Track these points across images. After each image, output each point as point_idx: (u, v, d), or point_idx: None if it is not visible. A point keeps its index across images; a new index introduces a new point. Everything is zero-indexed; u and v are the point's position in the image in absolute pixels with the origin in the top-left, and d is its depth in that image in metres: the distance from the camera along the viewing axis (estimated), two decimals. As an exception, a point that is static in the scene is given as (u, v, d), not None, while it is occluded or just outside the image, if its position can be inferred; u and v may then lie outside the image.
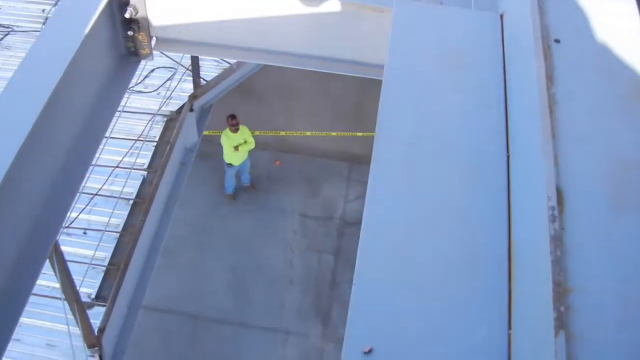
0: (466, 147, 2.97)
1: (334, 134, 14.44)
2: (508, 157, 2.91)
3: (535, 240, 2.35)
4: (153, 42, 4.76)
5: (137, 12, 4.58)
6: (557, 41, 2.86)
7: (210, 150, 13.75)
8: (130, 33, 4.65)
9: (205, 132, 10.43)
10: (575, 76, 2.76)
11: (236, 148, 12.62)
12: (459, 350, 2.37)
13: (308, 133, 14.51)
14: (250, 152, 13.23)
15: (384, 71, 3.31)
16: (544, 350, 2.04)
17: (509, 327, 2.40)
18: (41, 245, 4.35)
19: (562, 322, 1.98)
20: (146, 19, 4.65)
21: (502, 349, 2.37)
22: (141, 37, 4.69)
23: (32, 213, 4.23)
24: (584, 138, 2.52)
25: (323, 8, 4.44)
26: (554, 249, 2.13)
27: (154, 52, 4.87)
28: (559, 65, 2.77)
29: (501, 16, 3.64)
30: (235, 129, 12.40)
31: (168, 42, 4.81)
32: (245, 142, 12.75)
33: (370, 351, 2.34)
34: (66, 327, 7.12)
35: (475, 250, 2.61)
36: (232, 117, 12.30)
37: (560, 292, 2.04)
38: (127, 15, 4.55)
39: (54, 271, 6.23)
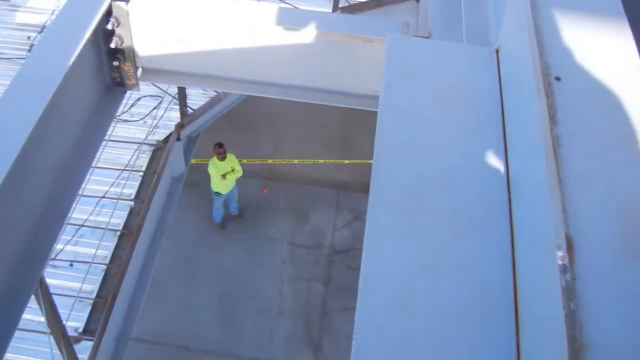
0: (466, 189, 2.88)
1: (321, 161, 14.40)
2: (509, 199, 2.82)
3: (546, 293, 2.26)
4: (139, 72, 4.69)
5: (122, 42, 4.50)
6: (558, 79, 2.79)
7: (197, 179, 13.67)
8: (115, 63, 4.57)
9: (193, 161, 10.36)
10: (578, 116, 2.68)
11: (224, 176, 12.56)
12: None
13: (296, 161, 14.46)
14: (238, 180, 13.18)
15: (378, 109, 3.23)
16: None
17: None
18: (26, 279, 4.25)
19: None
20: (132, 49, 4.57)
21: None
22: (127, 67, 4.62)
23: (17, 246, 4.13)
24: (591, 181, 2.44)
25: (309, 38, 4.39)
26: (566, 302, 2.04)
27: (140, 82, 4.81)
28: (561, 105, 2.70)
29: (497, 51, 3.57)
30: (222, 157, 12.34)
31: (154, 72, 4.73)
32: (233, 170, 12.70)
33: None
34: (53, 362, 6.99)
35: (480, 301, 2.52)
36: (220, 145, 12.24)
37: (577, 348, 1.96)
38: (112, 45, 4.48)
39: (39, 305, 6.12)
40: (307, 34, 4.34)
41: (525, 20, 3.10)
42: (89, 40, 4.34)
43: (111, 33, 4.51)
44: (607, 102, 2.77)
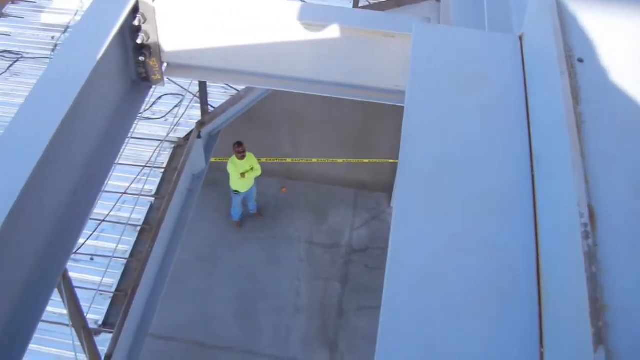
0: (491, 169, 2.98)
1: (340, 160, 14.45)
2: (533, 177, 2.90)
3: (568, 259, 2.35)
4: (164, 67, 4.77)
5: (148, 38, 4.59)
6: (581, 60, 2.87)
7: (216, 178, 13.77)
8: (141, 59, 4.66)
9: (212, 159, 10.43)
10: (600, 96, 2.77)
11: (243, 175, 12.65)
12: None
13: (314, 160, 14.52)
14: (256, 179, 13.26)
15: (406, 94, 3.32)
16: None
17: (541, 346, 2.40)
18: (51, 271, 4.33)
19: (600, 338, 1.97)
20: (158, 45, 4.66)
21: None
22: (152, 63, 4.70)
23: (42, 239, 4.20)
24: (613, 157, 2.52)
25: (332, 34, 4.45)
26: (588, 265, 2.13)
27: (165, 77, 4.88)
28: (584, 85, 2.78)
29: (520, 37, 3.65)
30: (242, 156, 12.43)
31: (179, 67, 4.81)
32: (252, 169, 12.78)
33: None
34: (72, 353, 7.08)
35: (504, 272, 2.61)
36: (239, 144, 12.34)
37: (597, 309, 2.03)
38: (139, 41, 4.56)
39: (62, 298, 6.21)
40: (330, 29, 4.40)
41: (548, 4, 3.17)
42: (116, 36, 4.42)
43: (137, 29, 4.59)
44: (628, 82, 2.85)
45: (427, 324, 2.48)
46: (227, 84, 10.16)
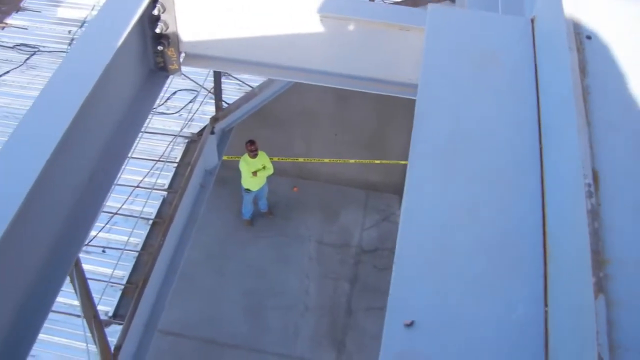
0: (501, 140, 3.10)
1: (352, 161, 14.48)
2: (541, 147, 3.00)
3: (572, 217, 2.45)
4: (182, 57, 4.81)
5: (167, 28, 4.63)
6: (589, 37, 2.98)
7: (228, 176, 13.81)
8: (160, 48, 4.70)
9: (224, 157, 10.48)
10: (607, 69, 2.89)
11: (254, 173, 12.68)
12: (497, 326, 2.44)
13: (326, 160, 14.55)
14: (268, 178, 13.30)
15: (420, 72, 3.39)
16: (583, 316, 2.09)
17: (545, 305, 2.47)
18: (62, 261, 4.36)
19: (601, 287, 2.05)
20: (176, 35, 4.70)
21: (539, 326, 2.44)
22: (170, 52, 4.74)
23: (55, 228, 4.23)
24: (618, 127, 2.64)
25: (349, 26, 4.48)
26: (591, 221, 2.22)
27: (182, 68, 4.92)
28: (591, 59, 2.90)
29: (532, 20, 3.74)
30: (254, 154, 12.47)
31: (197, 57, 4.85)
32: (264, 167, 12.81)
33: (411, 324, 2.41)
34: (81, 344, 7.12)
35: (510, 233, 2.72)
36: (251, 142, 12.37)
37: (599, 261, 2.11)
38: (157, 31, 4.61)
39: (74, 288, 6.25)
40: (346, 22, 4.43)
41: None
42: (136, 25, 4.47)
43: (157, 18, 4.63)
44: (632, 58, 2.96)
45: (436, 278, 2.56)
46: (241, 81, 10.20)
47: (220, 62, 4.93)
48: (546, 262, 2.59)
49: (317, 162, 14.66)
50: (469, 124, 3.14)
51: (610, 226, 2.25)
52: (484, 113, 3.21)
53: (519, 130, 3.12)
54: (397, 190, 14.80)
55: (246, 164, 12.67)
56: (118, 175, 4.84)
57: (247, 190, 13.29)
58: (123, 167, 5.79)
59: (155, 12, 4.56)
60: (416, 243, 2.69)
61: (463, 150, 3.02)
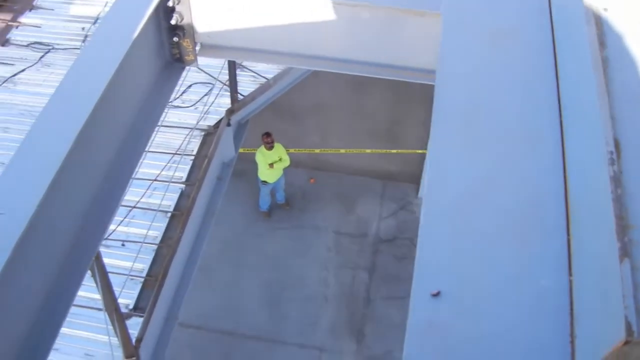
0: (521, 110, 3.13)
1: (368, 151, 14.47)
2: (560, 116, 3.02)
3: (595, 185, 2.46)
4: (197, 48, 4.83)
5: (182, 19, 4.65)
6: (606, 10, 2.99)
7: (244, 168, 13.83)
8: (175, 39, 4.73)
9: (240, 150, 10.48)
10: (624, 40, 2.89)
11: (271, 165, 12.71)
12: (522, 296, 2.47)
13: (342, 151, 14.55)
14: (284, 169, 13.31)
15: (439, 47, 3.41)
16: (608, 281, 2.10)
17: (570, 274, 2.48)
18: (84, 255, 4.39)
19: (626, 252, 2.06)
20: (191, 26, 4.72)
21: (564, 295, 2.46)
22: (186, 43, 4.76)
23: (75, 222, 4.26)
24: (637, 96, 2.64)
25: (364, 12, 4.48)
26: (614, 188, 2.23)
27: (198, 59, 4.94)
28: (608, 32, 2.91)
29: None
30: (270, 146, 12.50)
31: (212, 48, 4.87)
32: (280, 159, 12.83)
33: (438, 294, 2.43)
34: (103, 337, 7.17)
35: (534, 202, 2.75)
36: (267, 134, 12.40)
37: (623, 226, 2.13)
38: (173, 22, 4.63)
39: (95, 282, 6.28)
40: (362, 8, 4.43)
41: None
42: (151, 17, 4.49)
43: (172, 10, 4.65)
44: None
45: (462, 248, 2.58)
46: (256, 72, 10.19)
47: (236, 51, 4.95)
48: (569, 231, 2.60)
49: (333, 153, 14.65)
50: (489, 96, 3.17)
51: (633, 193, 2.26)
52: (503, 86, 3.24)
53: (538, 102, 3.14)
54: (414, 179, 14.78)
55: (262, 156, 12.69)
56: (136, 169, 4.86)
57: (264, 182, 13.32)
58: (141, 160, 5.80)
59: (170, 3, 4.57)
60: (440, 214, 2.72)
61: (483, 121, 3.05)
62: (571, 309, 2.41)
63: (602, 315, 2.17)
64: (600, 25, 2.94)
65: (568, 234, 2.61)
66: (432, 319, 2.42)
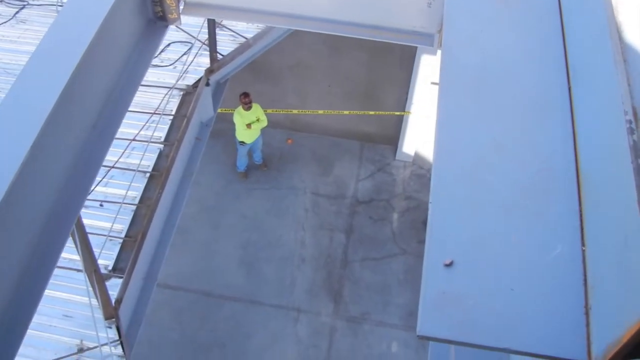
0: (528, 77, 3.10)
1: (346, 112, 14.42)
2: (569, 83, 2.99)
3: (611, 154, 2.42)
4: (181, 6, 4.75)
5: (166, -24, 4.57)
6: None
7: (222, 128, 13.76)
8: (158, -3, 4.65)
9: (218, 110, 10.41)
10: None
11: (249, 126, 12.65)
12: (535, 266, 2.46)
13: (320, 112, 14.49)
14: (262, 130, 13.26)
15: (444, 9, 3.38)
16: (628, 254, 2.09)
17: (583, 245, 2.48)
18: (66, 217, 4.35)
19: None
20: (175, -17, 4.64)
21: (577, 265, 2.45)
22: (169, 1, 4.68)
23: (57, 184, 4.21)
24: None
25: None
26: (634, 157, 2.19)
27: (181, 17, 4.86)
28: None
29: None
30: (248, 107, 12.43)
31: (196, 6, 4.80)
32: (258, 120, 12.77)
33: (451, 264, 2.43)
34: (82, 298, 7.14)
35: (544, 172, 2.72)
36: (245, 95, 12.32)
37: None
38: (155, -21, 4.55)
39: (75, 243, 6.23)
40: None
41: None
42: (133, -27, 4.39)
43: (155, -34, 4.56)
44: None
45: (473, 217, 2.56)
46: (235, 32, 10.09)
47: (220, 10, 4.88)
48: (581, 200, 2.58)
49: (311, 114, 14.60)
50: (496, 61, 3.14)
51: None
52: (509, 50, 3.21)
53: (546, 67, 3.12)
54: (392, 141, 14.78)
55: (240, 116, 12.62)
56: (119, 127, 4.81)
57: (242, 142, 13.25)
58: (123, 117, 5.73)
59: (154, -41, 4.48)
60: (450, 184, 2.70)
61: (490, 87, 3.02)
62: (585, 280, 2.40)
63: (620, 288, 2.15)
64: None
65: (579, 204, 2.59)
66: (446, 289, 2.41)
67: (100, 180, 8.39)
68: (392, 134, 14.62)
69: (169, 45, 10.10)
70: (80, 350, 7.23)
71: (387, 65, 13.43)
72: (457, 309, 2.39)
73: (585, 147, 2.73)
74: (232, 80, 10.87)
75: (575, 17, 3.23)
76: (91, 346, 7.17)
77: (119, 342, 7.22)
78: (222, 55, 9.82)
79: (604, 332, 2.24)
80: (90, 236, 6.66)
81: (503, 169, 2.72)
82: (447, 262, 2.44)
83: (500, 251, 2.50)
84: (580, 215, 2.56)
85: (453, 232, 2.55)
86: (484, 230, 2.56)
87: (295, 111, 14.62)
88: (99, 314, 7.06)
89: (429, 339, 2.40)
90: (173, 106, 9.31)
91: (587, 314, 2.36)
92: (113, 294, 7.31)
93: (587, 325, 2.34)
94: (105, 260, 7.79)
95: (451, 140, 2.83)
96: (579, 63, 3.02)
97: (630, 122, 2.31)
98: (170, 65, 9.88)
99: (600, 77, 2.73)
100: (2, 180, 3.42)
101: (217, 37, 9.60)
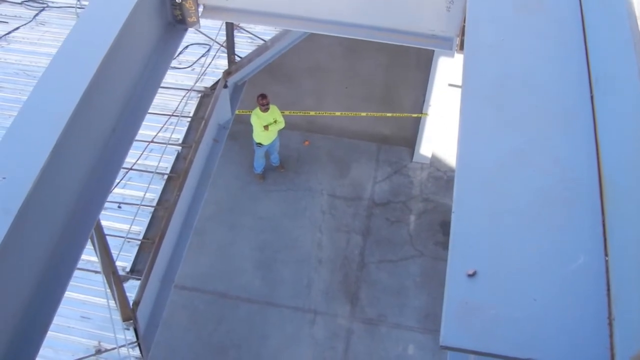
0: (551, 86, 3.09)
1: (363, 114, 14.40)
2: (592, 93, 2.98)
3: (635, 164, 2.41)
4: (200, 10, 4.75)
5: (185, -20, 4.58)
6: None
7: (239, 130, 13.78)
8: (178, 0, 4.65)
9: (236, 112, 10.42)
10: None
11: (266, 127, 12.65)
12: (558, 277, 2.45)
13: (337, 113, 14.48)
14: (279, 132, 13.27)
15: (466, 18, 3.37)
16: None
17: (606, 255, 2.46)
18: (86, 219, 4.36)
19: None
20: (194, -13, 4.65)
21: (600, 275, 2.44)
22: (188, 4, 4.69)
23: (77, 186, 4.22)
24: None
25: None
26: None
27: (200, 21, 4.87)
28: None
29: None
30: (265, 108, 12.43)
31: (215, 9, 4.80)
32: (275, 121, 12.78)
33: (474, 274, 2.42)
34: (100, 299, 7.15)
35: (567, 182, 2.72)
36: (263, 96, 12.32)
37: None
38: (175, -17, 4.56)
39: (93, 244, 6.25)
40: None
41: None
42: (153, -23, 4.40)
43: (174, -30, 4.57)
44: None
45: (496, 228, 2.56)
46: (253, 34, 10.10)
47: (238, 13, 4.88)
48: (603, 210, 2.57)
49: (328, 116, 14.59)
50: (518, 69, 3.13)
51: None
52: (532, 58, 3.20)
53: (568, 75, 3.10)
54: (409, 143, 14.76)
55: (257, 118, 12.63)
56: (139, 129, 4.81)
57: (259, 144, 13.26)
58: (143, 119, 5.73)
59: (173, -36, 4.49)
60: (473, 193, 2.69)
61: (513, 95, 3.02)
62: (608, 290, 2.39)
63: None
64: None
65: (602, 214, 2.57)
66: (469, 299, 2.41)
67: (119, 182, 8.41)
68: (409, 135, 14.60)
69: (187, 47, 10.11)
70: (98, 351, 7.25)
71: (404, 67, 13.41)
72: (479, 319, 2.38)
73: (608, 156, 2.71)
74: (250, 82, 10.88)
75: (598, 25, 3.21)
76: (109, 348, 7.19)
77: (136, 343, 7.24)
78: (240, 57, 9.83)
79: (628, 343, 2.22)
80: (108, 238, 6.68)
81: (525, 179, 2.72)
82: (471, 272, 2.44)
83: (523, 261, 2.49)
84: (603, 225, 2.55)
85: (476, 242, 2.55)
86: (507, 240, 2.55)
87: (312, 113, 14.62)
88: (117, 316, 7.07)
89: (452, 349, 2.39)
90: (191, 108, 9.32)
91: (610, 324, 2.35)
92: (131, 295, 7.33)
93: (611, 336, 2.33)
94: (123, 262, 7.81)
95: (473, 150, 2.82)
96: (602, 72, 3.01)
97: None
98: (189, 67, 9.90)
99: (623, 85, 2.71)
100: (24, 183, 3.43)
101: (235, 39, 9.61)
